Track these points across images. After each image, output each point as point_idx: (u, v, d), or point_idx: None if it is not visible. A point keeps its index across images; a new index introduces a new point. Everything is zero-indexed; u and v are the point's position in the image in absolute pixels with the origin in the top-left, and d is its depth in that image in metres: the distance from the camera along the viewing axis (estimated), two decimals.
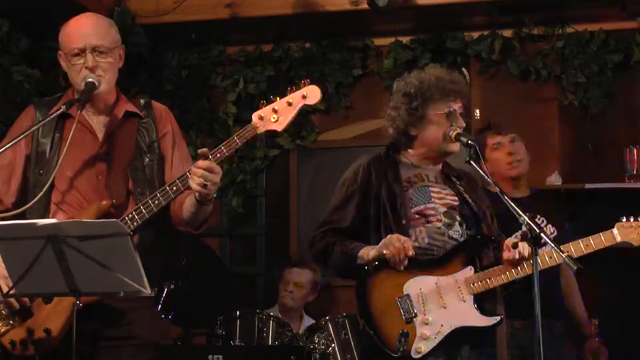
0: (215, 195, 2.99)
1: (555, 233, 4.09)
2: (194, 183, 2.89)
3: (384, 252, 3.22)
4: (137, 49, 5.55)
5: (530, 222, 2.91)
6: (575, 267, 2.88)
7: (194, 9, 5.51)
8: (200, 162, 2.90)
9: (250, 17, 5.52)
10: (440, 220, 3.37)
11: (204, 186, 2.89)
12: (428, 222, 3.36)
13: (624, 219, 3.65)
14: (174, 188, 2.95)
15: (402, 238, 3.23)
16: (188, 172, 2.94)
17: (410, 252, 3.21)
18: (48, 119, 3.06)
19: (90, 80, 3.02)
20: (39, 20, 4.87)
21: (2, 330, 2.93)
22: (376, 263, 3.30)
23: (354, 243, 3.36)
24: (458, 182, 3.52)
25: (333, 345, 4.71)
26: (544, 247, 3.57)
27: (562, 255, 2.92)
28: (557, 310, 4.13)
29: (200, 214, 3.06)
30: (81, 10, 3.29)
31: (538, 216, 4.06)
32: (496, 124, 4.26)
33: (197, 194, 2.95)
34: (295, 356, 4.48)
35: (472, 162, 3.22)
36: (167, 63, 6.01)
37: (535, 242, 2.89)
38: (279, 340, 4.73)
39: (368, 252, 3.29)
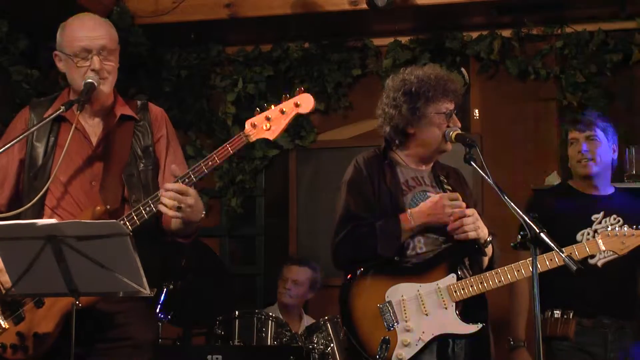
0: (201, 216, 2.93)
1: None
2: (167, 208, 2.81)
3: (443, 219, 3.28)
4: (136, 49, 5.56)
5: (531, 222, 2.89)
6: (574, 268, 2.87)
7: (193, 9, 5.51)
8: (171, 185, 2.82)
9: (250, 17, 5.53)
10: (440, 230, 3.36)
11: (178, 209, 2.82)
12: (427, 231, 3.35)
13: (610, 225, 3.65)
14: (147, 209, 2.88)
15: (446, 201, 3.29)
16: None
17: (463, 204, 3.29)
18: (44, 122, 3.02)
19: (89, 80, 2.99)
20: (39, 21, 4.87)
21: None
22: (361, 269, 3.30)
23: (383, 224, 3.29)
24: (446, 182, 3.50)
25: (332, 345, 4.71)
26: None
27: (563, 255, 2.91)
28: (630, 312, 4.00)
29: (188, 228, 3.02)
30: (80, 11, 3.26)
31: (614, 216, 3.94)
32: (578, 120, 4.14)
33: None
34: (294, 356, 4.48)
35: (471, 162, 3.21)
36: (166, 63, 6.01)
37: (534, 242, 2.88)
38: (277, 340, 4.73)
39: (415, 219, 3.30)
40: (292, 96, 2.98)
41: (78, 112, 3.00)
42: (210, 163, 2.89)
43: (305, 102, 2.97)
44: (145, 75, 5.93)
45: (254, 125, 2.94)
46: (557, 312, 3.91)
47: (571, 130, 4.13)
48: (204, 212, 2.97)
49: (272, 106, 2.96)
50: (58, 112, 2.99)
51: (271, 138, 2.96)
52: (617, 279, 3.82)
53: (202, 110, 6.01)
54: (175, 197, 2.81)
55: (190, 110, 5.99)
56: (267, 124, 2.94)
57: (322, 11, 5.42)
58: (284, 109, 2.95)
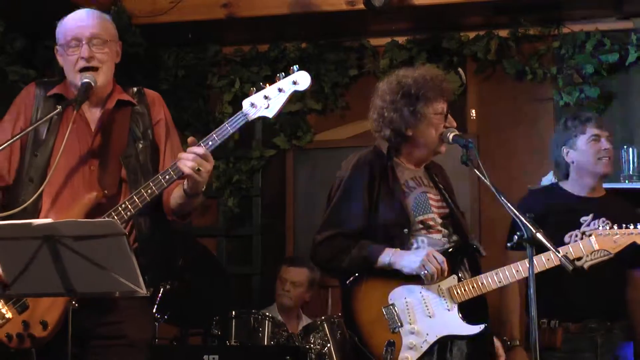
0: (203, 189, 2.96)
1: None
2: (187, 167, 2.84)
3: (423, 272, 3.20)
4: (134, 49, 5.55)
5: (528, 224, 2.90)
6: (571, 268, 2.88)
7: (190, 9, 5.51)
8: (195, 148, 2.86)
9: (247, 17, 5.53)
10: (440, 231, 3.37)
11: (197, 171, 2.84)
12: (429, 232, 3.36)
13: (601, 226, 3.65)
14: (167, 177, 2.91)
15: (440, 257, 3.22)
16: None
17: (446, 272, 3.24)
18: (44, 119, 3.04)
19: (86, 80, 3.01)
20: (35, 20, 4.87)
21: None
22: (356, 275, 3.30)
23: (368, 245, 3.30)
24: (437, 180, 3.51)
25: (329, 345, 4.71)
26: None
27: (559, 256, 2.92)
28: (617, 313, 3.96)
29: (188, 205, 3.04)
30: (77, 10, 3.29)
31: (603, 219, 3.86)
32: (594, 116, 4.08)
33: (186, 186, 2.92)
34: (291, 356, 4.48)
35: (469, 164, 3.21)
36: (164, 63, 6.01)
37: (532, 243, 2.88)
38: (274, 340, 4.73)
39: (395, 263, 3.25)
40: (287, 75, 2.97)
41: (75, 111, 3.01)
42: (210, 143, 2.90)
43: (302, 79, 2.97)
44: (142, 75, 5.91)
45: (252, 105, 2.94)
46: (544, 321, 3.83)
47: (589, 126, 4.01)
48: (203, 188, 2.97)
49: (268, 85, 2.97)
50: (57, 111, 3.01)
51: (270, 116, 2.96)
52: (603, 280, 3.79)
53: (199, 110, 6.02)
54: (195, 160, 2.83)
55: (187, 110, 5.99)
56: (266, 103, 2.94)
57: (319, 11, 5.42)
58: (282, 87, 2.96)
